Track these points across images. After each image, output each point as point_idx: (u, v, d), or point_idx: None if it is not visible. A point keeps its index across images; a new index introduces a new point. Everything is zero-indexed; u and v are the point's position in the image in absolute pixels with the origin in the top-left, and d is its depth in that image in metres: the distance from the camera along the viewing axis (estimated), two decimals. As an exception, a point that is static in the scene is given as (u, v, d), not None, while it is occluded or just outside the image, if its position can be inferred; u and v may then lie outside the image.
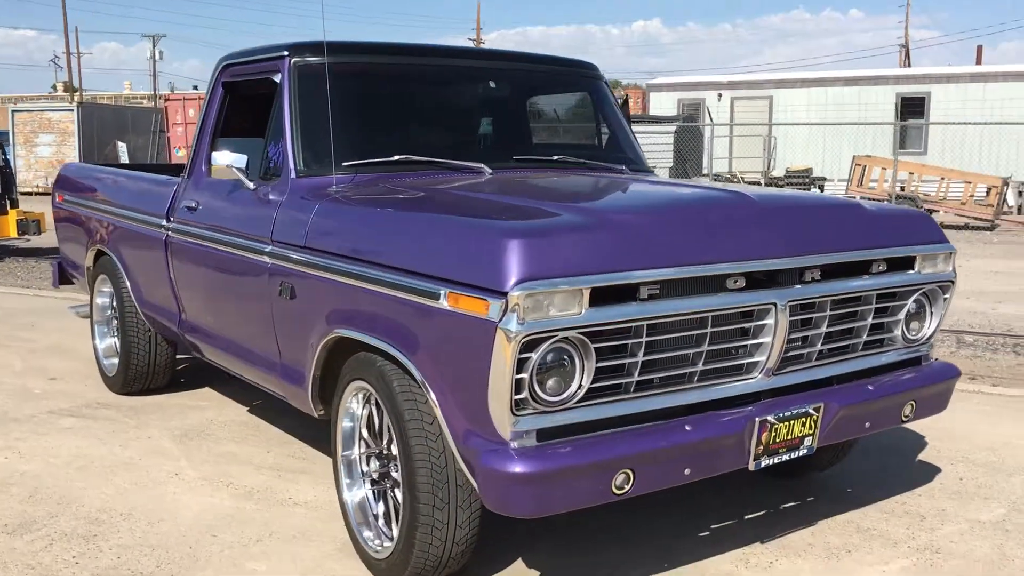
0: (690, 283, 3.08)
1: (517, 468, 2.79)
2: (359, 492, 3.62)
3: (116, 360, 5.84)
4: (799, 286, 3.30)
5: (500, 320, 2.75)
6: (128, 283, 5.45)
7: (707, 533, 3.84)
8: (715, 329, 3.16)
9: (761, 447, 3.22)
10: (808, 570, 3.51)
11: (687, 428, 3.08)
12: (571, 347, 2.86)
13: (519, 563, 3.57)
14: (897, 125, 24.58)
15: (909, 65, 38.27)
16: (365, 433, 3.54)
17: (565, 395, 2.89)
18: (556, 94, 4.95)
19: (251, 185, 4.18)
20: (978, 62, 36.76)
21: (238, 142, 4.62)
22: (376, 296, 3.23)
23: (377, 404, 3.40)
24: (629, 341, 2.98)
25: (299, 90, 4.13)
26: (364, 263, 3.33)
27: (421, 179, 4.05)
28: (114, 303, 5.87)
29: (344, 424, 3.61)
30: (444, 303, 2.94)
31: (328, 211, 3.66)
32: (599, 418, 2.99)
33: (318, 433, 4.95)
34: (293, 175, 3.99)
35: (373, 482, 3.53)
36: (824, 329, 3.42)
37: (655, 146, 18.82)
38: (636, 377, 3.02)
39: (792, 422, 3.28)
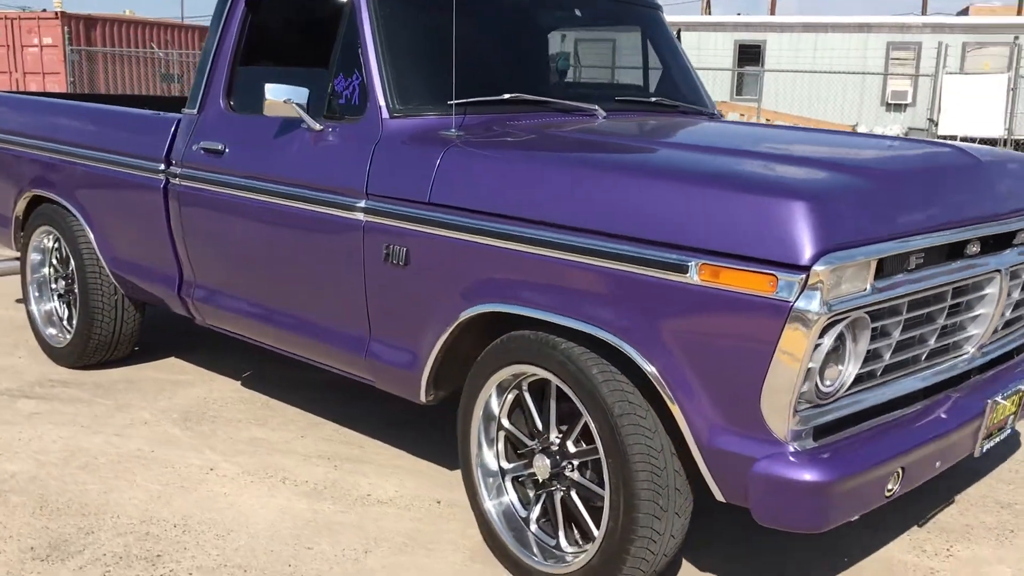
0: (940, 251, 2.72)
1: (809, 476, 2.37)
2: (504, 499, 3.08)
3: (57, 329, 4.95)
4: (1010, 251, 2.99)
5: (796, 299, 2.28)
6: (93, 237, 4.57)
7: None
8: (953, 301, 2.82)
9: (985, 430, 2.92)
10: (991, 556, 3.26)
11: (943, 416, 2.74)
12: (848, 329, 2.44)
13: (689, 568, 3.15)
14: (734, 72, 25.19)
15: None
16: (509, 428, 3.02)
17: (836, 385, 2.48)
18: (628, 29, 4.41)
19: (317, 126, 3.48)
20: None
21: (272, 72, 3.88)
22: (571, 267, 2.69)
23: (539, 393, 2.88)
24: (892, 320, 2.59)
25: (384, 10, 3.44)
26: (546, 226, 2.76)
27: (537, 121, 3.48)
28: (56, 261, 4.94)
29: (478, 419, 3.05)
30: (694, 277, 2.44)
31: (471, 160, 3.04)
32: (855, 411, 2.60)
33: (348, 409, 4.33)
34: (384, 114, 3.33)
35: (538, 486, 2.99)
36: (1017, 296, 3.15)
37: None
38: (886, 360, 2.64)
39: (1008, 400, 2.99)
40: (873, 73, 24.16)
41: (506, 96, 3.45)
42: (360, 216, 3.27)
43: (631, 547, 2.67)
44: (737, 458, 2.46)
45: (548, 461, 2.91)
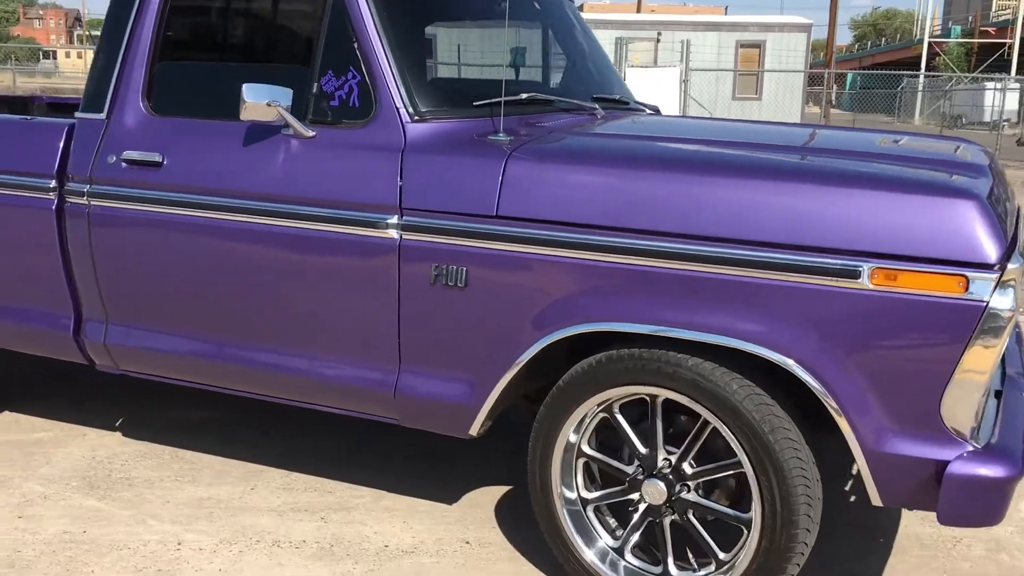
0: None
1: (1003, 472, 2.40)
2: (606, 541, 2.87)
3: None
4: None
5: (990, 298, 2.30)
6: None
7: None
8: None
9: None
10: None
11: None
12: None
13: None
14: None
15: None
16: (592, 455, 2.82)
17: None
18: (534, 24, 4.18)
19: (308, 132, 3.01)
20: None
21: (211, 68, 3.33)
22: (707, 279, 2.52)
23: (644, 415, 2.71)
24: None
25: (384, 3, 3.04)
26: (669, 237, 2.57)
27: (560, 122, 3.24)
28: None
29: (560, 448, 2.81)
30: (866, 282, 2.39)
31: (553, 168, 2.75)
32: None
33: (277, 450, 3.84)
34: (405, 118, 2.94)
35: (646, 511, 2.80)
36: None
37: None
38: None
39: None
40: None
41: (524, 96, 3.17)
42: (392, 234, 2.87)
43: (787, 564, 2.58)
44: (914, 461, 2.43)
45: (663, 485, 2.72)
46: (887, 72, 33.23)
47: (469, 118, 3.04)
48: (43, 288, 3.47)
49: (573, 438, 2.82)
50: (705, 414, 2.59)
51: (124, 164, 3.24)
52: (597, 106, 3.47)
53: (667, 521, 2.76)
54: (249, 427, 4.09)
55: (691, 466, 2.71)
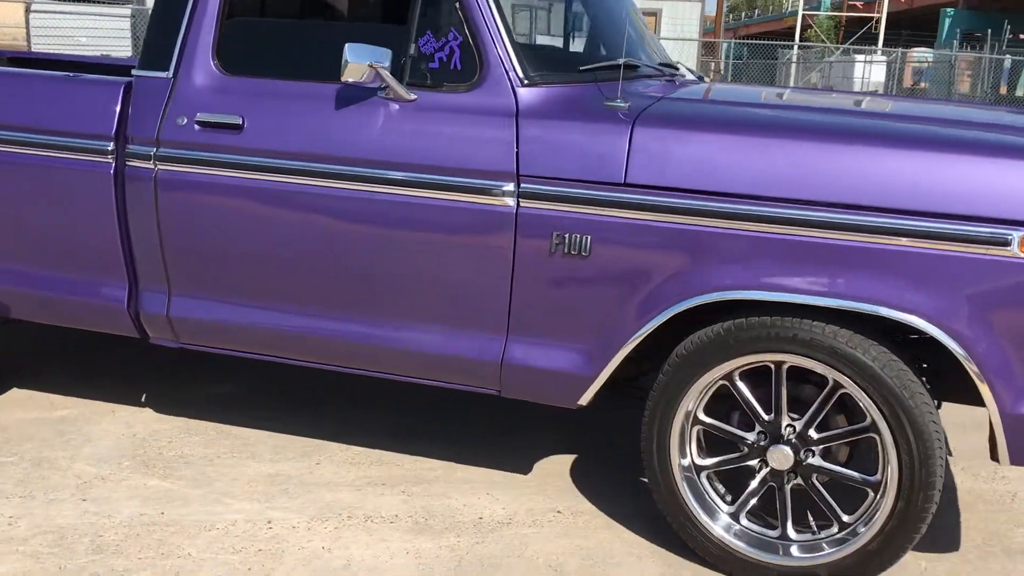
0: None
1: None
2: (721, 506, 2.89)
3: None
4: None
5: None
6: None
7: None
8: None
9: None
10: (1035, 472, 3.69)
11: None
12: None
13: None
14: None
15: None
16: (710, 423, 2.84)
17: None
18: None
19: (409, 95, 2.92)
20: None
21: (284, 26, 3.19)
22: (853, 248, 2.57)
23: (768, 385, 2.74)
24: None
25: (487, -41, 2.95)
26: (812, 205, 2.60)
27: (653, 88, 3.22)
28: None
29: (680, 417, 2.82)
30: (1016, 250, 2.47)
31: (682, 136, 2.73)
32: None
33: (331, 424, 3.75)
34: (515, 82, 2.88)
35: (767, 477, 2.84)
36: None
37: (101, 30, 16.40)
38: None
39: None
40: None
41: (620, 61, 3.13)
42: (508, 201, 2.81)
43: (921, 525, 2.66)
44: None
45: (789, 450, 2.76)
46: (768, 43, 34.12)
47: (572, 83, 2.99)
48: (92, 257, 3.27)
49: (691, 406, 2.83)
50: (842, 380, 2.63)
51: (197, 126, 3.07)
52: (677, 70, 3.46)
53: (788, 486, 2.80)
54: (285, 401, 3.97)
55: (816, 431, 2.75)
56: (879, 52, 31.21)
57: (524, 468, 3.50)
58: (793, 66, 39.28)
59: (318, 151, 2.97)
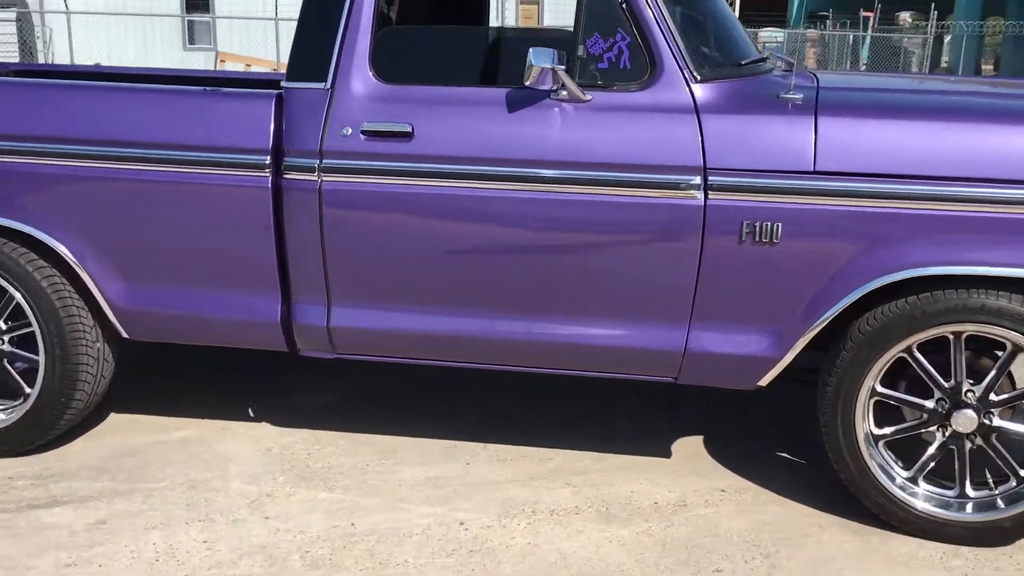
0: None
1: None
2: (899, 472, 3.08)
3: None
4: None
5: None
6: (87, 274, 3.29)
7: None
8: None
9: None
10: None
11: None
12: None
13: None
14: (184, 18, 24.20)
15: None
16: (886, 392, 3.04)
17: None
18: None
19: (585, 96, 3.00)
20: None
21: (431, 32, 3.21)
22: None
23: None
24: None
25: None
26: (987, 183, 2.81)
27: (795, 80, 3.36)
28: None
29: (866, 390, 3.00)
30: None
31: (865, 124, 2.90)
32: None
33: (450, 425, 3.80)
34: (690, 79, 2.99)
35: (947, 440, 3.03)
36: None
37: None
38: None
39: None
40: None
41: (766, 56, 3.27)
42: (695, 195, 2.93)
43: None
44: None
45: (973, 413, 2.96)
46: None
47: (735, 77, 3.11)
48: (243, 272, 3.23)
49: (872, 380, 3.00)
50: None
51: (363, 136, 3.07)
52: (793, 63, 3.61)
53: (967, 447, 3.00)
54: (390, 406, 3.99)
55: (996, 394, 2.96)
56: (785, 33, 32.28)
57: (665, 452, 3.62)
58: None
59: (494, 155, 3.01)
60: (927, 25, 24.43)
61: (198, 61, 23.90)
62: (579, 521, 3.12)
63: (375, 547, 2.94)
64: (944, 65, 29.98)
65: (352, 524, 3.08)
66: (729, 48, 3.21)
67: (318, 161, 3.09)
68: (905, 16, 33.38)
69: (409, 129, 3.05)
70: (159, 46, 23.84)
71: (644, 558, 2.91)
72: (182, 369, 4.36)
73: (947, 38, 28.54)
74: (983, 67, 35.03)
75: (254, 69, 18.28)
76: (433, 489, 3.31)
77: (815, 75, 3.50)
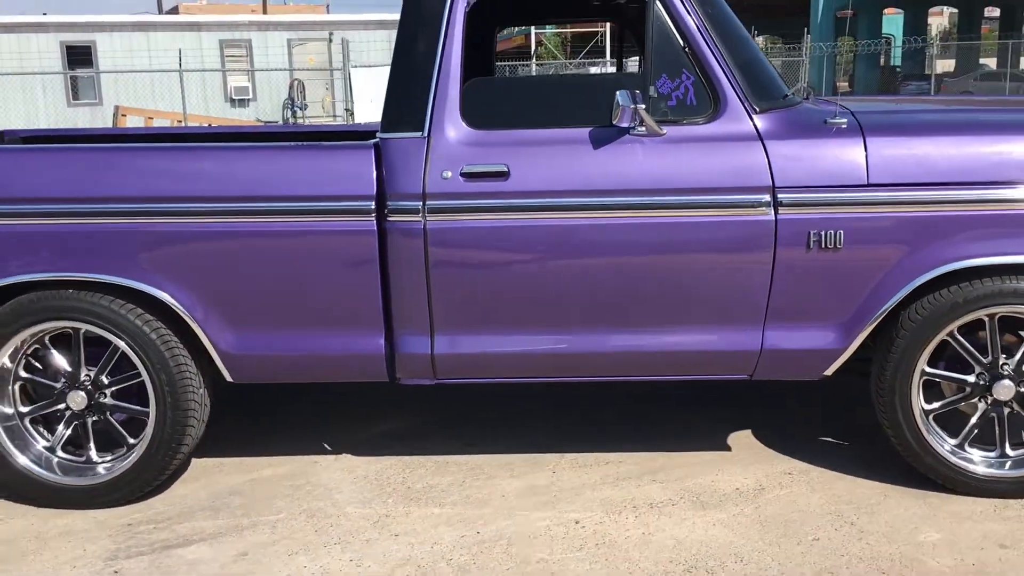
0: None
1: None
2: (947, 438, 3.53)
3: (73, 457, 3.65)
4: None
5: None
6: (197, 323, 3.49)
7: None
8: None
9: None
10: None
11: None
12: None
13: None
14: (67, 75, 23.84)
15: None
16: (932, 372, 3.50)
17: None
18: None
19: (662, 130, 3.39)
20: (264, 11, 35.48)
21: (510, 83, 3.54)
22: None
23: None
24: None
25: (705, 8, 3.47)
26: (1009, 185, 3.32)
27: (825, 107, 3.83)
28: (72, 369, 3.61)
29: (919, 371, 3.44)
30: None
31: (905, 142, 3.36)
32: None
33: (526, 438, 4.12)
34: (751, 110, 3.41)
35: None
36: None
37: None
38: None
39: None
40: (211, 70, 24.64)
41: (803, 86, 3.71)
42: (767, 211, 3.34)
43: (1116, 423, 3.42)
44: None
45: (1011, 383, 3.44)
46: (509, 63, 35.84)
47: (784, 108, 3.54)
48: (347, 310, 3.48)
49: (922, 361, 3.45)
50: (1052, 324, 3.36)
51: (463, 178, 3.38)
52: (812, 91, 4.09)
53: (1006, 412, 3.49)
54: (456, 427, 4.26)
55: (1024, 364, 3.46)
56: (609, 63, 33.54)
57: (723, 446, 4.00)
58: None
59: (584, 187, 3.36)
60: (793, 48, 25.89)
61: (83, 118, 23.52)
62: (679, 511, 3.46)
63: (509, 549, 3.23)
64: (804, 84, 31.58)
65: (477, 532, 3.35)
66: (769, 82, 3.64)
67: (422, 203, 3.37)
68: (760, 40, 35.04)
69: (505, 169, 3.37)
70: (42, 105, 23.38)
71: (749, 535, 3.28)
72: (232, 410, 4.52)
73: (805, 60, 30.17)
74: (838, 85, 37.03)
75: (156, 123, 18.16)
76: (535, 496, 3.60)
77: (839, 103, 3.97)
